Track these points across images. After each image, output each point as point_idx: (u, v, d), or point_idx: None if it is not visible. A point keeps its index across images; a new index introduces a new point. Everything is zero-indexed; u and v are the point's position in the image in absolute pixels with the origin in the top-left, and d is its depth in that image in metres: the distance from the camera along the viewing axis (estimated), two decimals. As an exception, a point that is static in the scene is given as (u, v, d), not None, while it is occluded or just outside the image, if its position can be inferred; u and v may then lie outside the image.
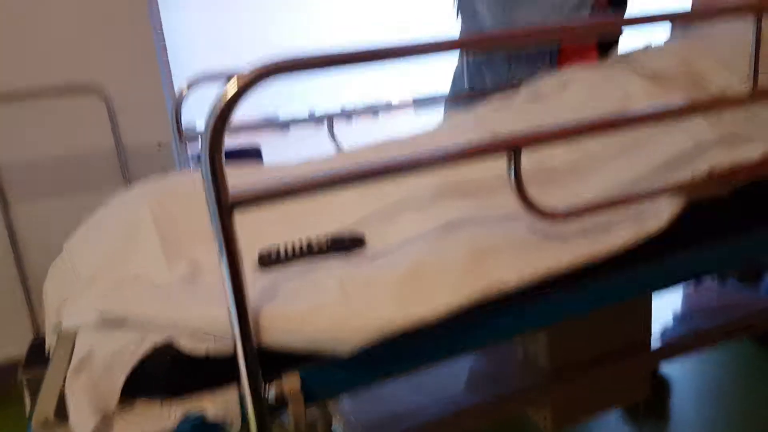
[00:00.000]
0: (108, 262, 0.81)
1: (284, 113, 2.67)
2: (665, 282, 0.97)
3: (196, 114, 1.44)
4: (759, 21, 0.81)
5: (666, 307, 1.82)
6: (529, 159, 0.77)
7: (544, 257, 0.78)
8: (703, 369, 1.99)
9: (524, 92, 1.31)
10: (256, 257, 0.79)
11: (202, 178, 0.54)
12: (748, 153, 0.88)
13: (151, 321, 0.65)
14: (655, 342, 1.60)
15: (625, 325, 1.54)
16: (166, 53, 2.79)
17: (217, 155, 0.54)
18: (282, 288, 0.68)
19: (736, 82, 1.14)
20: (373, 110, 1.90)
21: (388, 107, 1.91)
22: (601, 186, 0.96)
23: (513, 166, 0.73)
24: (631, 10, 1.95)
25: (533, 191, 0.94)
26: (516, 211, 0.76)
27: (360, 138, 2.00)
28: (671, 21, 0.83)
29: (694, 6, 1.43)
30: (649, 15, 0.78)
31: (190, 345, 0.62)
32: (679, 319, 1.78)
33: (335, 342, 0.63)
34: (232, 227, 0.56)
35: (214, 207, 0.54)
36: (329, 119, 1.61)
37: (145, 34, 2.34)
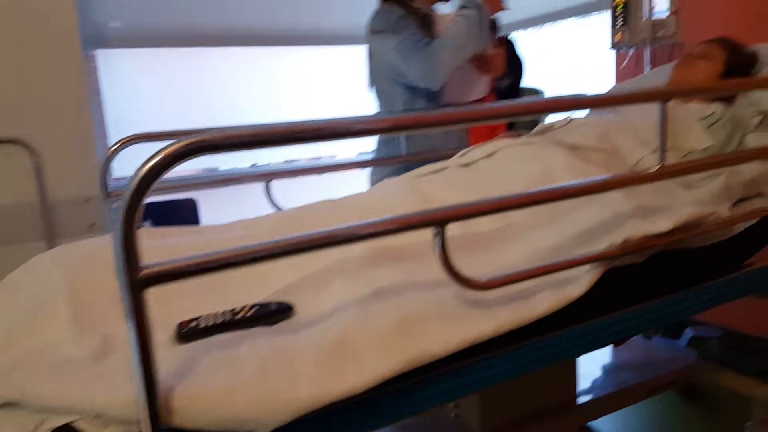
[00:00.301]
0: (13, 334, 0.76)
1: (227, 164, 2.64)
2: (588, 345, 1.00)
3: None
4: (664, 105, 0.87)
5: (594, 361, 1.87)
6: (458, 225, 0.80)
7: (471, 326, 0.79)
8: (629, 421, 2.03)
9: (455, 160, 1.36)
10: (174, 329, 0.76)
11: (114, 253, 0.53)
12: (660, 225, 0.93)
13: (50, 404, 0.60)
14: (583, 398, 1.64)
15: (552, 384, 1.58)
16: (102, 110, 2.76)
17: (131, 231, 0.52)
18: (199, 364, 0.65)
19: (649, 156, 1.22)
20: (315, 168, 1.92)
21: (331, 165, 1.94)
22: (526, 253, 0.99)
23: (440, 240, 0.74)
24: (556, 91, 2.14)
25: (461, 256, 0.96)
26: (444, 278, 0.77)
27: (300, 193, 2.01)
28: (588, 107, 0.88)
29: (671, 81, 1.56)
30: (567, 99, 0.83)
31: (92, 430, 0.59)
32: (607, 374, 1.83)
33: (251, 424, 0.61)
34: (143, 304, 0.54)
35: (125, 284, 0.53)
36: (267, 178, 1.59)
37: (79, 91, 2.32)
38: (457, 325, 0.79)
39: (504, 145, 1.32)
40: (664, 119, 0.88)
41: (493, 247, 1.03)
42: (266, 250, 0.61)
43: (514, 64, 1.86)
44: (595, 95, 0.88)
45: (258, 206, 1.55)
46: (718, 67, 1.49)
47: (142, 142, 1.38)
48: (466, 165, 1.33)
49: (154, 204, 2.41)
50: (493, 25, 1.75)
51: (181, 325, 0.76)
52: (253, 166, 3.03)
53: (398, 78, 1.73)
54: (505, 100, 0.78)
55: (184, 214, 2.59)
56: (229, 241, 0.97)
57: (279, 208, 1.55)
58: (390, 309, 0.78)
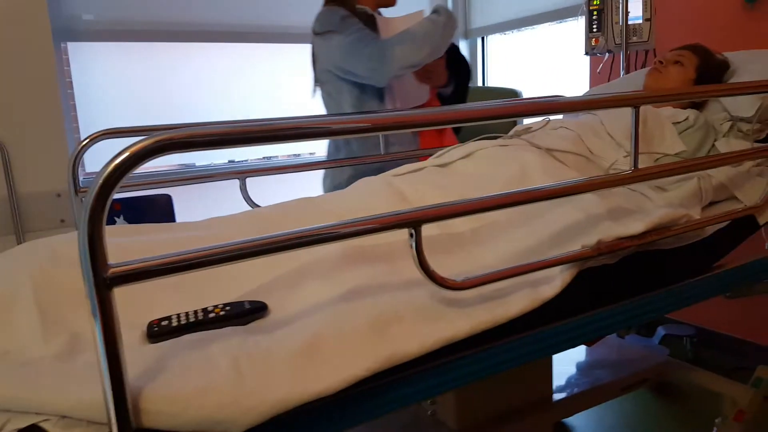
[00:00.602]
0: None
1: (204, 159, 2.60)
2: (561, 345, 1.00)
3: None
4: (637, 110, 0.88)
5: (569, 359, 1.90)
6: (435, 225, 0.80)
7: (446, 326, 0.79)
8: (603, 418, 2.06)
9: (433, 161, 1.36)
10: (145, 328, 0.75)
11: (79, 252, 0.51)
12: (633, 227, 0.94)
13: (15, 405, 0.59)
14: (558, 396, 1.66)
15: (528, 382, 1.59)
16: (74, 103, 2.72)
17: (97, 229, 0.51)
18: (170, 364, 0.64)
19: (623, 159, 1.24)
20: (291, 166, 1.91)
21: (307, 163, 1.93)
22: (501, 253, 1.00)
23: (415, 240, 0.74)
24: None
25: (437, 255, 0.96)
26: (419, 278, 0.77)
27: (278, 189, 2.00)
28: (562, 111, 0.88)
29: (645, 86, 1.60)
30: (540, 102, 0.83)
31: (58, 431, 0.57)
32: (581, 371, 1.86)
33: (224, 425, 0.60)
34: (110, 304, 0.52)
35: (91, 283, 0.51)
36: (243, 175, 1.57)
37: (49, 84, 2.29)
38: (432, 325, 0.79)
39: (481, 146, 1.32)
40: (636, 124, 0.89)
41: (469, 247, 1.03)
42: (237, 250, 0.60)
43: (458, 71, 1.87)
44: (569, 99, 0.89)
45: (234, 203, 1.53)
46: (690, 73, 1.51)
47: (111, 137, 1.36)
48: (444, 165, 1.33)
49: (128, 199, 2.37)
50: None
51: (152, 324, 0.75)
52: (230, 162, 3.01)
53: (345, 77, 1.73)
54: (487, 102, 0.79)
55: (158, 209, 2.55)
56: (201, 239, 0.96)
57: (255, 206, 1.54)
58: (365, 308, 0.78)
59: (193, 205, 2.54)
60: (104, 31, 2.75)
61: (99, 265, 0.51)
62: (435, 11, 1.70)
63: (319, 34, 1.74)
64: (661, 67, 1.54)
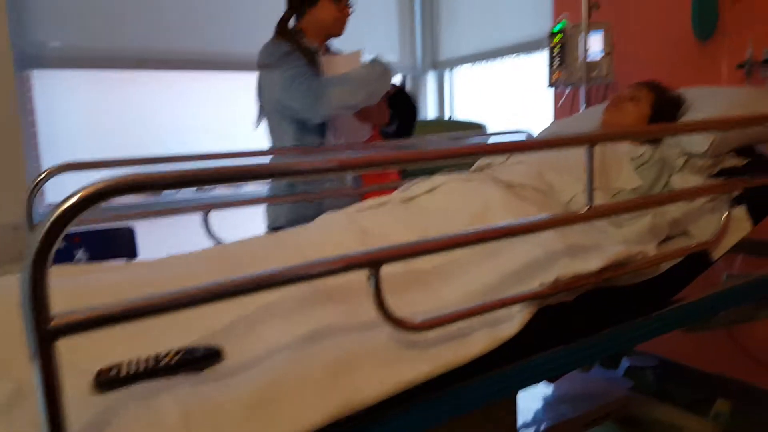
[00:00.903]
0: None
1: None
2: (523, 383, 1.00)
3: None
4: (591, 149, 0.90)
5: (534, 395, 1.89)
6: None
7: (406, 368, 0.78)
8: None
9: (397, 195, 1.37)
10: (93, 376, 0.72)
11: (21, 302, 0.50)
12: (589, 264, 0.95)
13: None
14: (523, 432, 1.65)
15: (492, 420, 1.58)
16: (35, 132, 2.67)
17: (40, 279, 0.49)
18: (117, 416, 0.62)
19: (582, 194, 1.26)
20: (256, 200, 1.91)
21: (272, 197, 1.92)
22: (464, 289, 1.00)
23: (374, 281, 0.74)
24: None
25: (398, 293, 0.96)
26: (380, 318, 0.76)
27: (242, 218, 1.98)
28: (520, 151, 0.90)
29: (602, 122, 1.64)
30: (501, 144, 0.85)
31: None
32: (546, 407, 1.85)
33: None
34: (52, 357, 0.50)
35: (32, 335, 0.49)
36: (206, 209, 1.55)
37: (9, 113, 2.24)
38: (392, 368, 0.78)
39: (445, 181, 1.34)
40: (591, 162, 0.91)
41: (432, 284, 1.03)
42: (189, 297, 0.58)
43: (403, 111, 1.93)
44: (526, 140, 0.91)
45: (199, 236, 1.52)
46: (646, 109, 1.56)
47: (70, 171, 1.34)
48: (409, 200, 1.34)
49: (88, 232, 2.32)
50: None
51: (100, 373, 0.72)
52: (197, 190, 2.98)
53: (286, 112, 1.78)
54: (447, 142, 0.80)
55: (120, 242, 2.50)
56: (157, 281, 0.94)
57: (218, 240, 1.52)
58: (324, 352, 0.77)
59: (157, 238, 2.49)
60: (71, 59, 2.72)
61: (41, 315, 0.49)
62: (373, 60, 1.79)
63: (262, 66, 1.80)
64: (617, 104, 1.59)
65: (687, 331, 1.52)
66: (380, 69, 1.76)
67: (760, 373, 2.14)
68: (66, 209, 0.50)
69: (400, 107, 1.94)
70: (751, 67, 2.06)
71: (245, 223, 1.74)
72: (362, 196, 1.83)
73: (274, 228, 1.91)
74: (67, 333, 0.51)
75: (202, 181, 0.61)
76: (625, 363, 2.55)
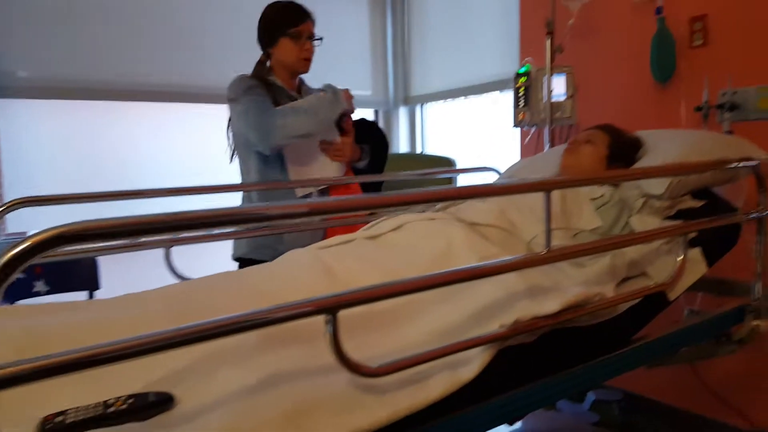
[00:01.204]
0: None
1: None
2: (483, 426, 1.00)
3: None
4: (548, 195, 0.92)
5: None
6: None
7: (363, 414, 0.78)
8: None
9: (362, 233, 1.37)
10: (38, 424, 0.70)
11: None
12: (548, 306, 0.96)
13: None
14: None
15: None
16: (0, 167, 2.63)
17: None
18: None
19: (542, 234, 1.28)
20: (219, 234, 1.88)
21: (234, 232, 1.91)
22: (425, 330, 1.00)
23: (331, 326, 0.73)
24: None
25: (358, 334, 0.96)
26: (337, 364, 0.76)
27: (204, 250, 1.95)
28: (479, 197, 0.92)
29: (561, 165, 1.69)
30: (461, 189, 0.86)
31: None
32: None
33: None
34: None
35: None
36: (168, 244, 1.53)
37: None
38: (349, 414, 0.77)
39: (410, 219, 1.35)
40: (548, 207, 0.93)
41: (393, 324, 1.03)
42: (137, 347, 0.57)
43: (373, 146, 1.96)
44: (488, 185, 0.92)
45: (161, 265, 1.50)
46: (602, 151, 1.61)
47: (30, 205, 1.31)
48: (373, 238, 1.35)
49: (50, 264, 2.26)
50: (347, 113, 1.89)
51: (46, 421, 0.70)
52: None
53: (249, 145, 1.81)
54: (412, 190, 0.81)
55: (82, 273, 2.44)
56: (111, 326, 0.92)
57: (180, 276, 1.50)
58: (280, 398, 0.76)
59: (121, 268, 2.44)
60: (39, 89, 2.69)
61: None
62: (323, 89, 1.84)
63: (229, 101, 1.82)
64: (574, 148, 1.63)
65: (649, 366, 1.54)
66: (330, 96, 1.79)
67: (720, 408, 2.17)
68: (12, 257, 0.50)
69: (371, 143, 1.96)
70: (708, 110, 2.14)
71: (209, 248, 1.73)
72: (325, 231, 1.84)
73: (237, 258, 1.91)
74: (8, 386, 0.50)
75: (162, 229, 0.61)
76: (590, 397, 2.57)
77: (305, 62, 1.88)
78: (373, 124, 2.01)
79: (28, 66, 2.65)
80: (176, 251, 1.53)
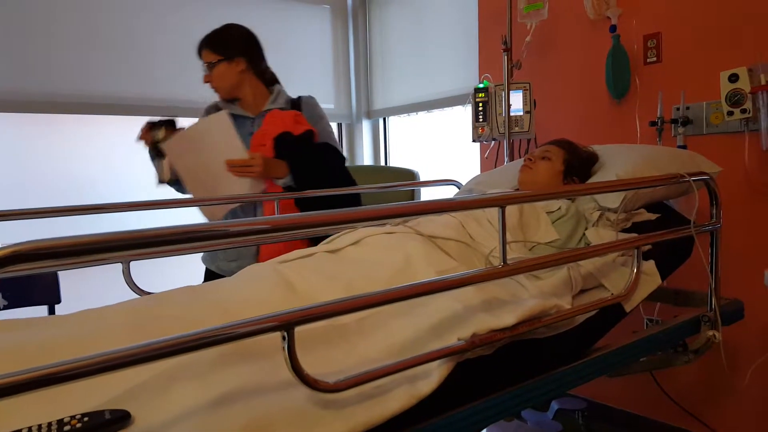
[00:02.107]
0: None
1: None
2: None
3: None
4: (503, 210, 0.94)
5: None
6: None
7: (322, 429, 0.78)
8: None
9: (323, 247, 1.37)
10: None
11: None
12: (504, 319, 0.98)
13: None
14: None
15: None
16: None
17: None
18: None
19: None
20: (181, 248, 1.86)
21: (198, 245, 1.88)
22: (384, 344, 1.00)
23: (287, 343, 0.73)
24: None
25: (317, 348, 0.96)
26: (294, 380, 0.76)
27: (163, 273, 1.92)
28: (436, 212, 0.93)
29: (518, 181, 1.72)
30: (419, 204, 0.88)
31: None
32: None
33: None
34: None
35: None
36: (127, 258, 1.51)
37: None
38: (307, 429, 0.77)
39: (369, 233, 1.36)
40: (503, 222, 0.95)
41: (352, 339, 1.03)
42: (93, 365, 0.57)
43: (295, 161, 1.85)
44: (445, 200, 0.93)
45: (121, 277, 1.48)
46: (558, 166, 1.65)
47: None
48: (333, 252, 1.35)
49: (9, 279, 2.19)
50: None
51: (-4, 442, 0.69)
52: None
53: None
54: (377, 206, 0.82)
55: (42, 287, 2.37)
56: (68, 343, 0.90)
57: (140, 291, 1.48)
58: (237, 414, 0.76)
59: (82, 279, 2.39)
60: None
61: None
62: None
63: None
64: (530, 164, 1.67)
65: (610, 376, 1.57)
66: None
67: (681, 416, 2.22)
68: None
69: (292, 159, 1.85)
70: (662, 125, 2.21)
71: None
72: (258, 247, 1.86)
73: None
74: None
75: (121, 247, 0.61)
76: (554, 406, 2.60)
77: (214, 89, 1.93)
78: (299, 139, 1.88)
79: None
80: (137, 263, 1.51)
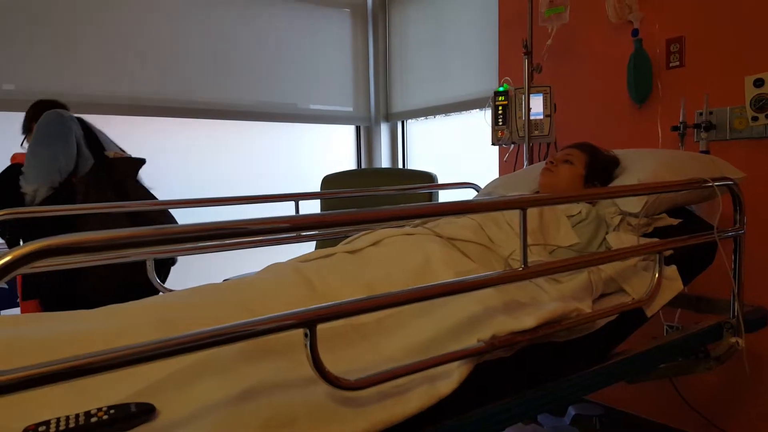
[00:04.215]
0: None
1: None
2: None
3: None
4: (524, 213, 0.95)
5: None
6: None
7: (341, 427, 0.78)
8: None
9: (342, 247, 1.38)
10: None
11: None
12: (525, 322, 0.98)
13: None
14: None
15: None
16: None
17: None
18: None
19: (520, 249, 1.31)
20: (208, 246, 1.88)
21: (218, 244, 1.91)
22: (404, 344, 1.01)
23: (309, 340, 0.74)
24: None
25: (338, 347, 0.97)
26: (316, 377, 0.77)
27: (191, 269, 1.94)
28: (455, 214, 0.93)
29: (539, 184, 1.71)
30: (437, 206, 0.88)
31: None
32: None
33: None
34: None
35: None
36: (150, 257, 1.54)
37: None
38: (327, 426, 0.78)
39: (389, 234, 1.36)
40: (524, 225, 0.95)
41: (373, 338, 1.04)
42: (118, 359, 0.58)
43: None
44: (466, 201, 0.94)
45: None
46: (580, 170, 1.64)
47: (14, 216, 1.33)
48: (353, 252, 1.36)
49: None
50: None
51: (27, 431, 0.70)
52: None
53: None
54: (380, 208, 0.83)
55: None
56: (94, 336, 0.92)
57: (163, 287, 1.51)
58: (259, 409, 0.77)
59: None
60: (23, 101, 2.69)
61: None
62: None
63: None
64: (552, 167, 1.66)
65: (629, 382, 1.56)
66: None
67: (700, 423, 2.20)
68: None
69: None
70: (685, 130, 2.19)
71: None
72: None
73: None
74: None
75: (145, 243, 0.62)
76: (571, 411, 2.59)
77: None
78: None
79: (14, 78, 2.66)
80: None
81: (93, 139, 2.02)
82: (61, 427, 0.71)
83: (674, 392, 2.02)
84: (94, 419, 0.73)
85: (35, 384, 0.55)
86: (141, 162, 2.07)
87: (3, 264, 0.52)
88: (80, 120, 2.04)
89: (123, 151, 2.17)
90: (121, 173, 2.00)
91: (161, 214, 2.06)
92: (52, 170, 1.83)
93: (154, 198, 2.06)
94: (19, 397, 0.76)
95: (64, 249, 0.54)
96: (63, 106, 2.16)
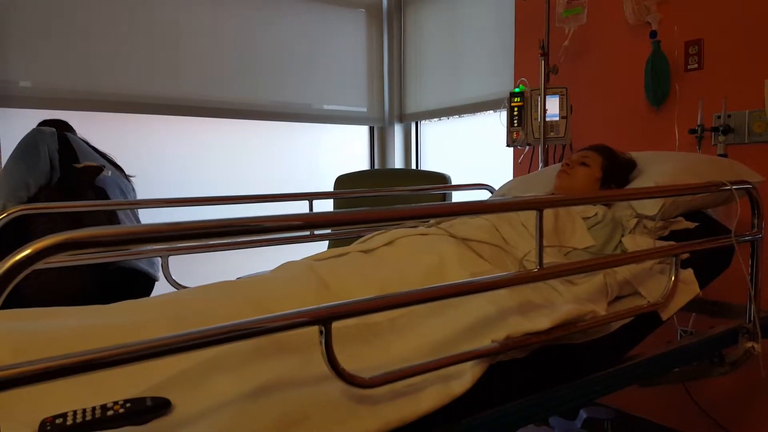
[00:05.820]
0: None
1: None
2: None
3: None
4: (541, 214, 0.94)
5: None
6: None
7: (354, 424, 0.79)
8: None
9: (356, 246, 1.39)
10: (37, 427, 0.71)
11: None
12: (539, 323, 0.98)
13: None
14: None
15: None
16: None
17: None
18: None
19: (535, 250, 1.30)
20: (218, 244, 1.90)
21: (232, 243, 1.92)
22: (417, 343, 1.01)
23: (324, 338, 0.75)
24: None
25: (354, 345, 0.97)
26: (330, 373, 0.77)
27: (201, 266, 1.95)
28: (471, 213, 0.93)
29: (554, 186, 1.70)
30: (452, 205, 0.88)
31: None
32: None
33: None
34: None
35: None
36: (165, 253, 1.55)
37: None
38: (341, 423, 0.78)
39: (403, 234, 1.36)
40: (540, 226, 0.94)
41: (386, 337, 1.04)
42: (133, 353, 0.58)
43: None
44: (481, 202, 0.94)
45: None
46: (596, 172, 1.63)
47: (26, 212, 1.34)
48: (367, 251, 1.36)
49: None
50: None
51: (45, 423, 0.71)
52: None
53: None
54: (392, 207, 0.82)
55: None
56: (109, 331, 0.93)
57: (177, 284, 1.52)
58: (272, 406, 0.77)
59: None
60: (39, 99, 2.72)
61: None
62: None
63: None
64: (568, 169, 1.65)
65: (641, 385, 1.55)
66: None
67: (712, 429, 2.17)
68: (9, 267, 0.51)
69: None
70: (702, 133, 2.17)
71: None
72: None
73: None
74: (6, 388, 0.51)
75: (160, 238, 0.62)
76: (582, 414, 2.57)
77: None
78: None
79: (31, 75, 2.69)
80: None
81: (69, 152, 2.08)
82: (78, 420, 0.72)
83: (686, 396, 2.00)
84: (110, 412, 0.74)
85: (51, 377, 0.55)
86: (98, 170, 2.13)
87: (24, 257, 0.52)
88: (63, 134, 2.09)
89: (107, 160, 2.25)
90: (78, 182, 2.06)
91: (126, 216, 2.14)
92: (19, 187, 1.91)
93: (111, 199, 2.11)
94: (37, 389, 0.77)
95: (83, 243, 0.55)
96: (65, 125, 2.24)
